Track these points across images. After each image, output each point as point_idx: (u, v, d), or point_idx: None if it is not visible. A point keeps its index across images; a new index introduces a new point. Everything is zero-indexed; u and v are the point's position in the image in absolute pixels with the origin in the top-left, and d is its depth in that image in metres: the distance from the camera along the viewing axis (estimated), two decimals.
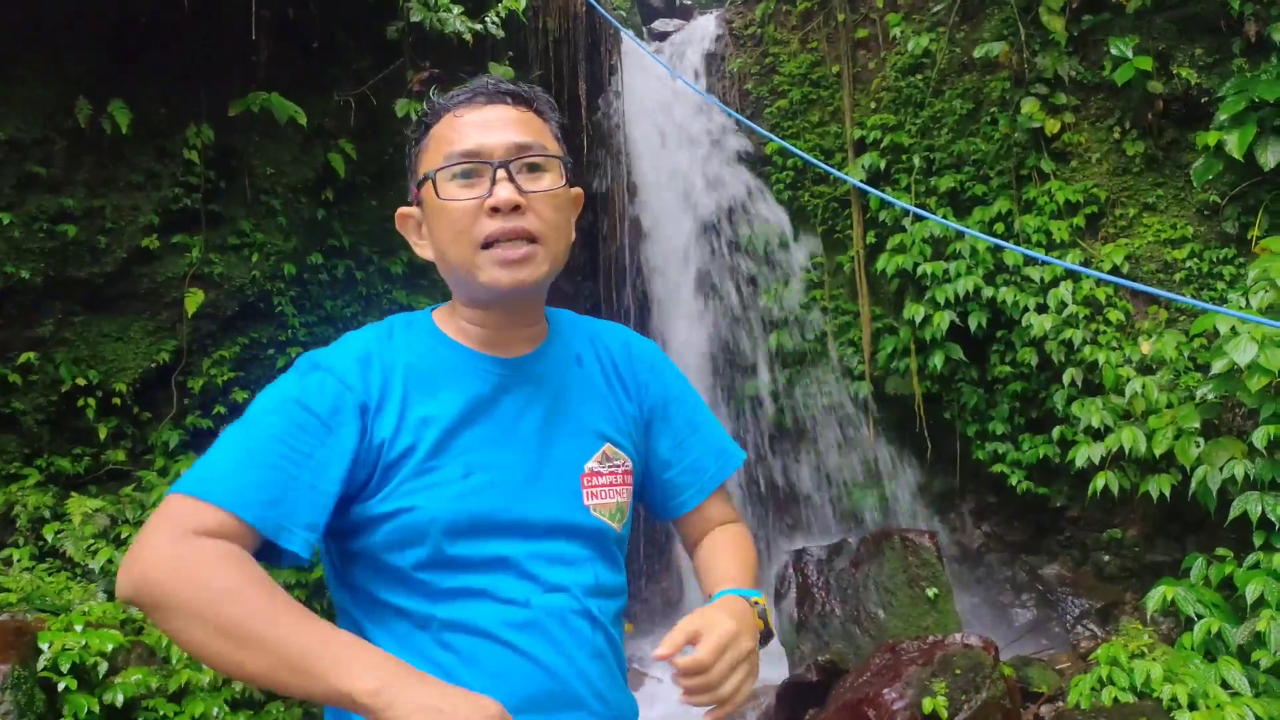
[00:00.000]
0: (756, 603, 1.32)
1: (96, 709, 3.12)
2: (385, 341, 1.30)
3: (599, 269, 6.33)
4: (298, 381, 1.24)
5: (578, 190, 1.39)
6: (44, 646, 3.08)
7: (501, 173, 1.25)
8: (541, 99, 1.35)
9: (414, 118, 1.38)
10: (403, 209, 1.38)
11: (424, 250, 1.35)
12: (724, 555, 1.44)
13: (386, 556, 1.22)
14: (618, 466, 1.36)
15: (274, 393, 1.24)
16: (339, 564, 1.29)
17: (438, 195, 1.27)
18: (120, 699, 3.18)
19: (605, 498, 1.33)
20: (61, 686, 3.05)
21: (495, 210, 1.24)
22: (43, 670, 3.04)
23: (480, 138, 1.26)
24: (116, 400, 4.42)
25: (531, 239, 1.25)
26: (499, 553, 1.23)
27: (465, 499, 1.22)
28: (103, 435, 4.38)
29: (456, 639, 1.20)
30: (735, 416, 6.01)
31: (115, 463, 4.43)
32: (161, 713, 3.28)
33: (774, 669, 4.96)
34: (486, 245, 1.24)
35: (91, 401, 4.35)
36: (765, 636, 1.32)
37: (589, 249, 6.35)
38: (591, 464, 1.33)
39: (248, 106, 4.38)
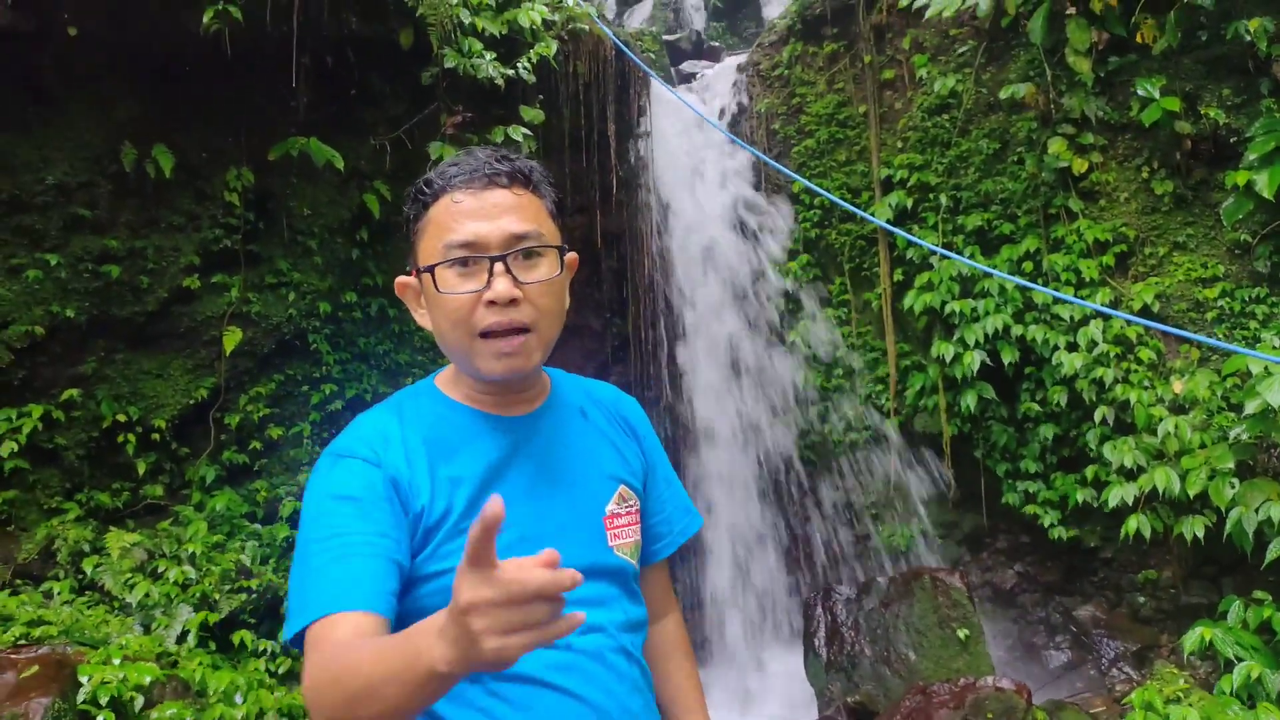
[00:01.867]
0: None
1: None
2: (398, 417, 1.36)
3: (627, 306, 6.39)
4: (328, 477, 1.29)
5: (572, 256, 1.43)
6: (83, 680, 3.13)
7: (499, 266, 1.29)
8: (538, 175, 1.38)
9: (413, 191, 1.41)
10: (402, 279, 1.43)
11: (423, 320, 1.40)
12: (690, 696, 1.56)
13: (429, 612, 1.26)
14: (632, 506, 1.44)
15: (313, 498, 1.29)
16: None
17: (437, 288, 1.31)
18: None
19: (625, 537, 1.41)
20: (100, 719, 3.09)
21: (492, 302, 1.29)
22: (82, 703, 3.09)
23: (477, 228, 1.30)
24: (155, 436, 4.51)
25: (525, 329, 1.31)
26: None
27: (500, 555, 1.26)
28: (141, 470, 4.47)
29: (504, 688, 1.25)
30: (766, 454, 6.01)
31: (153, 497, 4.52)
32: None
33: (804, 711, 4.92)
34: (484, 335, 1.31)
35: (131, 437, 4.44)
36: None
37: (618, 286, 6.41)
38: (611, 506, 1.41)
39: (287, 151, 4.50)
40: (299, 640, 1.21)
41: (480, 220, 1.31)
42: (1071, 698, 4.68)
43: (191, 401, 4.63)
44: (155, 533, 4.30)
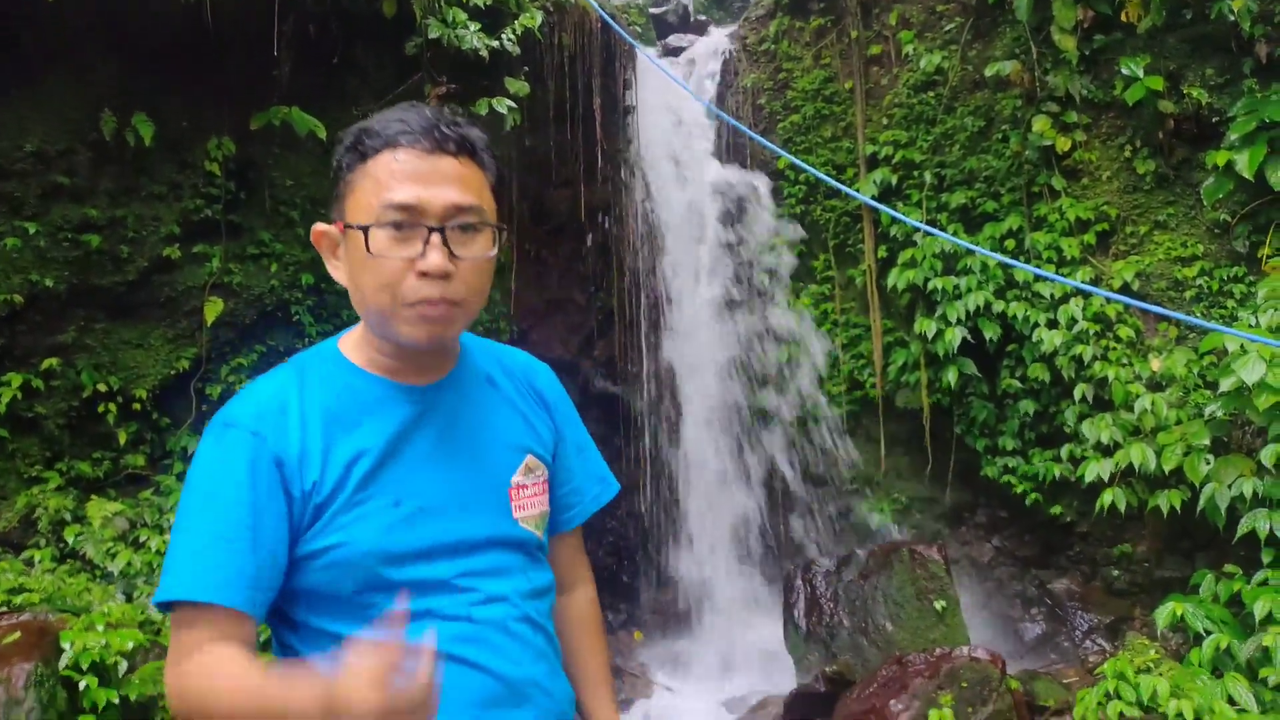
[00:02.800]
0: None
1: (115, 705, 3.18)
2: (298, 383, 1.32)
3: (612, 282, 6.40)
4: (215, 450, 1.27)
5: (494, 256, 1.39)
6: (66, 646, 3.14)
7: (436, 237, 1.25)
8: (483, 146, 1.34)
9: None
10: (320, 226, 1.37)
11: (338, 273, 1.35)
12: (596, 673, 1.55)
13: (326, 589, 1.26)
14: (539, 477, 1.43)
15: (199, 470, 1.27)
16: (280, 602, 1.31)
17: (368, 247, 1.25)
18: (137, 696, 3.24)
19: (530, 508, 1.40)
20: (83, 685, 3.11)
21: (424, 274, 1.25)
22: (65, 669, 3.10)
23: (419, 192, 1.25)
24: (136, 406, 4.49)
25: (453, 303, 1.28)
26: (437, 575, 1.28)
27: (397, 528, 1.27)
28: (122, 440, 4.46)
29: (406, 663, 1.25)
30: (748, 428, 6.05)
31: (134, 467, 4.51)
32: None
33: (782, 679, 4.99)
34: (410, 304, 1.26)
35: (112, 407, 4.42)
36: None
37: (603, 261, 6.42)
38: (517, 477, 1.39)
39: (269, 120, 4.46)
40: (166, 607, 1.24)
41: (422, 185, 1.25)
42: (1045, 668, 4.76)
43: (172, 372, 4.61)
44: (137, 502, 4.30)
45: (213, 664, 1.18)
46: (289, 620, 1.31)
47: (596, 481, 1.58)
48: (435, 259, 1.24)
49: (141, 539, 4.12)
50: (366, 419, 1.31)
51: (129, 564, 3.95)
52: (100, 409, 4.41)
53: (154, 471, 4.54)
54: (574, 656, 1.52)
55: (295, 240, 4.87)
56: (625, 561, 6.26)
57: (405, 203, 1.25)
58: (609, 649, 1.63)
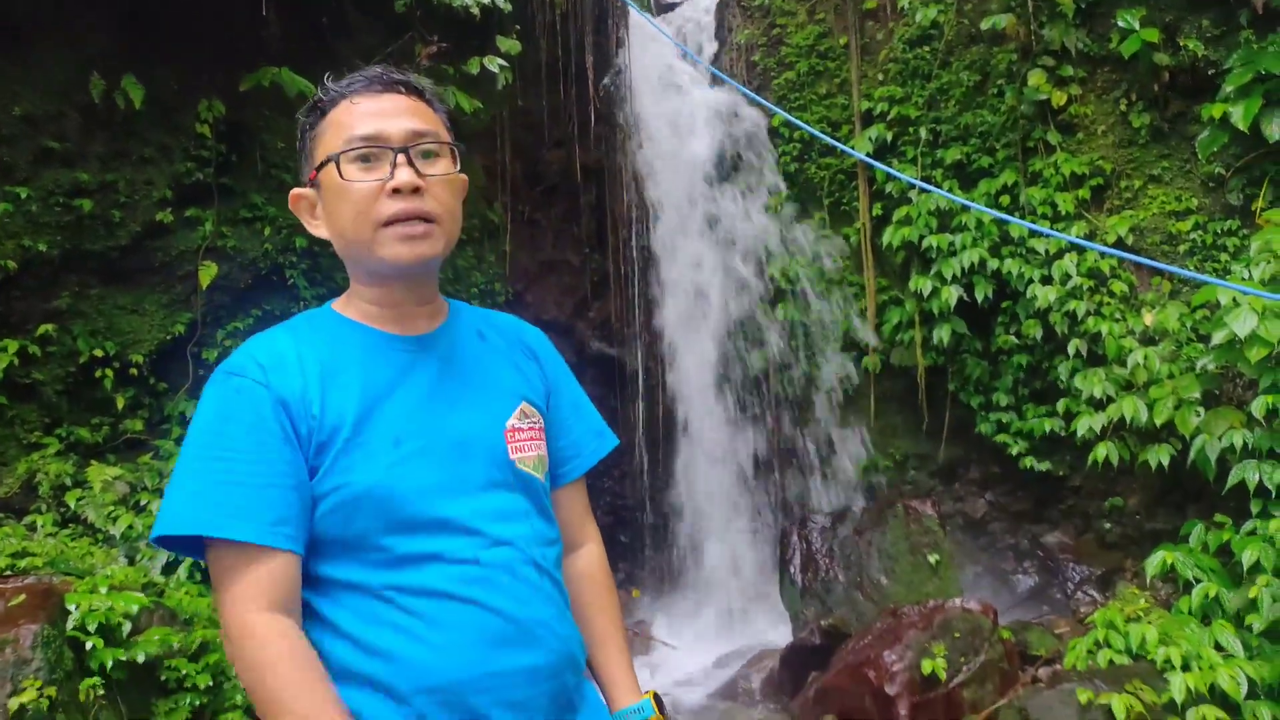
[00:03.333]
0: (651, 709, 1.48)
1: (123, 664, 3.23)
2: (294, 337, 1.37)
3: (605, 241, 6.38)
4: (222, 396, 1.30)
5: (464, 177, 1.45)
6: (71, 608, 3.18)
7: (401, 157, 1.33)
8: (431, 91, 1.44)
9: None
10: (297, 190, 1.45)
11: (318, 229, 1.43)
12: (607, 629, 1.55)
13: (332, 533, 1.28)
14: (535, 423, 1.46)
15: (205, 417, 1.30)
16: None
17: (341, 177, 1.34)
18: (143, 657, 3.29)
19: (528, 451, 1.42)
20: (89, 645, 3.15)
21: (396, 191, 1.32)
22: (71, 630, 3.14)
23: (379, 124, 1.35)
24: (133, 371, 4.50)
25: (429, 219, 1.34)
26: (442, 515, 1.31)
27: (399, 467, 1.30)
28: (120, 405, 4.47)
29: (416, 603, 1.27)
30: (743, 387, 6.08)
31: (133, 432, 4.53)
32: (184, 671, 3.38)
33: (778, 634, 5.07)
34: (387, 224, 1.32)
35: (109, 372, 4.43)
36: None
37: (596, 220, 6.40)
38: (512, 420, 1.42)
39: (258, 82, 4.42)
40: (171, 542, 1.27)
41: (380, 118, 1.35)
42: (1037, 619, 4.84)
43: (168, 337, 4.61)
44: (136, 466, 4.32)
45: (274, 649, 1.22)
46: (306, 577, 1.32)
47: (594, 435, 1.60)
48: (404, 174, 1.33)
49: (142, 503, 4.15)
50: (361, 366, 1.35)
51: (130, 528, 3.98)
52: (97, 374, 4.42)
53: (152, 436, 4.55)
54: (584, 614, 1.53)
55: (287, 203, 4.84)
56: (623, 521, 6.32)
57: (368, 134, 1.34)
58: (620, 607, 1.63)
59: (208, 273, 4.60)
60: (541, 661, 1.33)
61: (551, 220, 6.37)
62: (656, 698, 1.51)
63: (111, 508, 4.05)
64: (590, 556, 1.60)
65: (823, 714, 4.16)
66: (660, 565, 6.14)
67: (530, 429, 1.44)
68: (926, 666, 3.94)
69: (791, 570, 5.09)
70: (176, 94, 4.51)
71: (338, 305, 1.43)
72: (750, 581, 5.68)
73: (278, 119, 4.78)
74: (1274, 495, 4.14)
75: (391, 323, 1.39)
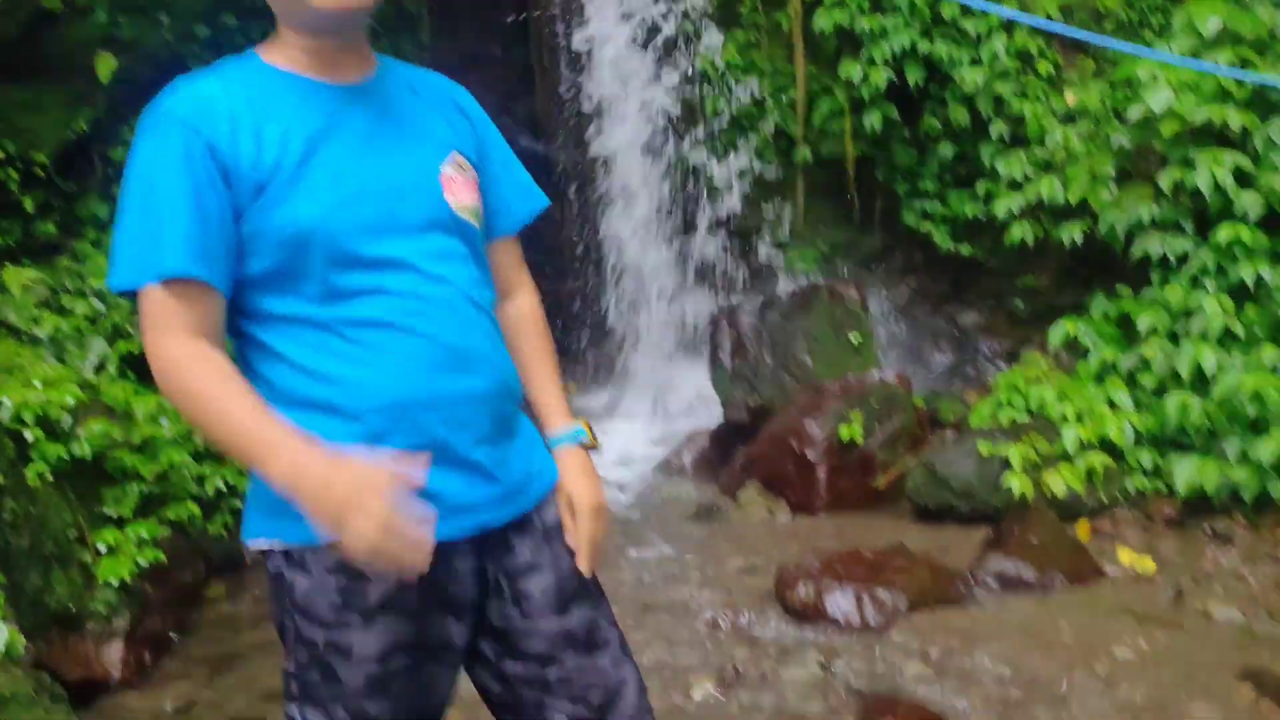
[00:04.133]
0: (584, 433, 1.59)
1: (66, 460, 3.29)
2: (222, 81, 1.35)
3: (530, 34, 6.14)
4: (150, 144, 1.30)
5: None
6: (5, 400, 3.19)
7: None
8: None
9: None
10: None
11: None
12: (540, 365, 1.61)
13: (275, 269, 1.31)
14: (468, 175, 1.48)
15: (138, 167, 1.30)
16: (236, 291, 1.35)
17: None
18: (88, 450, 3.35)
19: (463, 197, 1.45)
20: (30, 437, 3.19)
21: None
22: (10, 423, 3.17)
23: None
24: (39, 171, 4.32)
25: None
26: (383, 253, 1.34)
27: (342, 205, 1.32)
28: (30, 208, 4.32)
29: (361, 333, 1.32)
30: (675, 183, 6.05)
31: (47, 236, 4.40)
32: (129, 463, 3.47)
33: (710, 417, 5.32)
34: None
35: (13, 173, 4.25)
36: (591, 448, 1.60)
37: (519, 11, 6.12)
38: (446, 168, 1.44)
39: None
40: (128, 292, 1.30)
41: None
42: (949, 390, 5.15)
43: (71, 135, 4.41)
44: (56, 269, 4.24)
45: (200, 367, 1.26)
46: (247, 311, 1.36)
47: (524, 191, 1.63)
48: None
49: (65, 305, 4.09)
50: (295, 111, 1.34)
51: (57, 329, 3.95)
52: (0, 176, 4.24)
53: (68, 239, 4.44)
54: (520, 357, 1.57)
55: None
56: (557, 317, 6.42)
57: None
58: (553, 347, 1.67)
59: (105, 65, 4.35)
60: (481, 386, 1.40)
61: (472, 10, 6.08)
62: (588, 425, 1.61)
63: (34, 310, 4.00)
64: (524, 301, 1.64)
65: (748, 480, 4.46)
66: (595, 359, 6.31)
67: (463, 179, 1.46)
68: (844, 433, 4.21)
69: (721, 356, 5.28)
70: None
71: (264, 53, 1.40)
72: (682, 371, 5.88)
73: None
74: (1173, 265, 4.37)
75: (322, 71, 1.38)
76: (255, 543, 1.39)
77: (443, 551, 1.29)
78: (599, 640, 1.53)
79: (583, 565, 1.50)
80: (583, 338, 6.37)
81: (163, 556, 3.28)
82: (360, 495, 1.16)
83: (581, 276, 6.27)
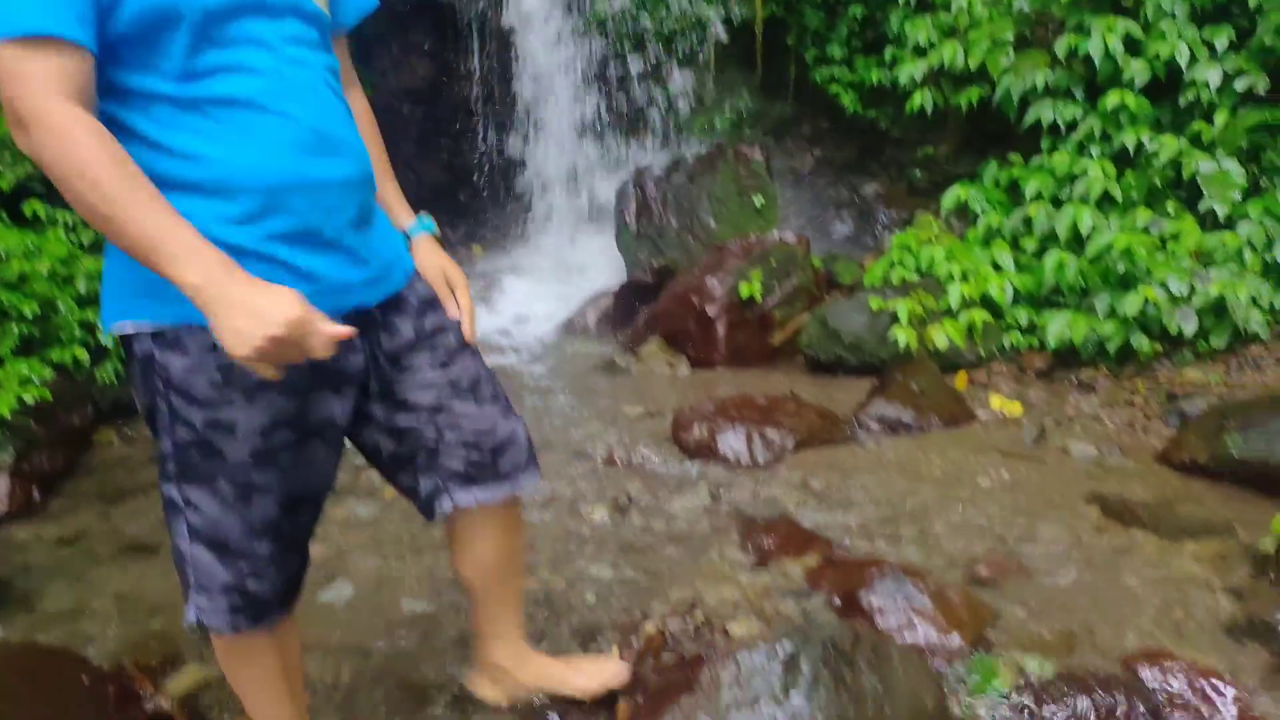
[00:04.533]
0: (433, 225, 1.72)
1: None
2: None
3: None
4: None
5: None
6: None
7: None
8: None
9: None
10: None
11: None
12: (381, 161, 1.68)
13: (135, 42, 1.25)
14: None
15: None
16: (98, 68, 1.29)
17: None
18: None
19: None
20: None
21: None
22: None
23: None
24: None
25: None
26: (244, 31, 1.31)
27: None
28: None
29: (227, 113, 1.29)
30: (585, 38, 5.90)
31: None
32: (5, 299, 3.33)
33: (613, 276, 5.36)
34: None
35: None
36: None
37: None
38: None
39: None
40: None
41: None
42: (849, 255, 5.28)
43: None
44: None
45: (89, 140, 1.16)
46: (103, 87, 1.28)
47: None
48: None
49: None
50: None
51: None
52: None
53: None
54: (373, 151, 1.63)
55: None
56: (461, 180, 6.29)
57: None
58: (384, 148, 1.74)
59: None
60: (348, 173, 1.41)
61: None
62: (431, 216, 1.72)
63: None
64: (358, 99, 1.68)
65: (651, 337, 4.54)
66: (500, 221, 6.24)
67: None
68: (744, 290, 4.30)
69: (627, 218, 5.29)
70: None
71: None
72: (588, 232, 5.87)
73: None
74: (1063, 132, 4.52)
75: None
76: (120, 325, 1.36)
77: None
78: (486, 393, 1.62)
79: (467, 331, 1.58)
80: (488, 199, 6.28)
81: (48, 395, 3.20)
82: (285, 328, 1.16)
83: (485, 136, 6.13)
